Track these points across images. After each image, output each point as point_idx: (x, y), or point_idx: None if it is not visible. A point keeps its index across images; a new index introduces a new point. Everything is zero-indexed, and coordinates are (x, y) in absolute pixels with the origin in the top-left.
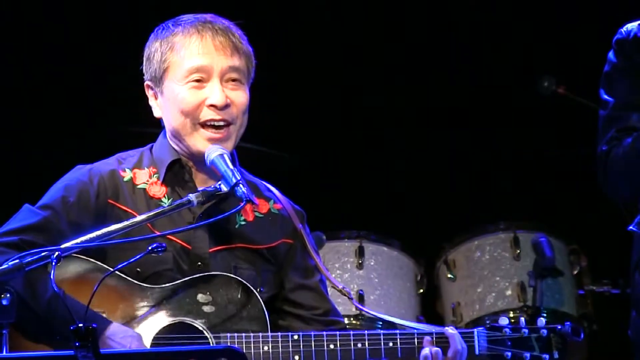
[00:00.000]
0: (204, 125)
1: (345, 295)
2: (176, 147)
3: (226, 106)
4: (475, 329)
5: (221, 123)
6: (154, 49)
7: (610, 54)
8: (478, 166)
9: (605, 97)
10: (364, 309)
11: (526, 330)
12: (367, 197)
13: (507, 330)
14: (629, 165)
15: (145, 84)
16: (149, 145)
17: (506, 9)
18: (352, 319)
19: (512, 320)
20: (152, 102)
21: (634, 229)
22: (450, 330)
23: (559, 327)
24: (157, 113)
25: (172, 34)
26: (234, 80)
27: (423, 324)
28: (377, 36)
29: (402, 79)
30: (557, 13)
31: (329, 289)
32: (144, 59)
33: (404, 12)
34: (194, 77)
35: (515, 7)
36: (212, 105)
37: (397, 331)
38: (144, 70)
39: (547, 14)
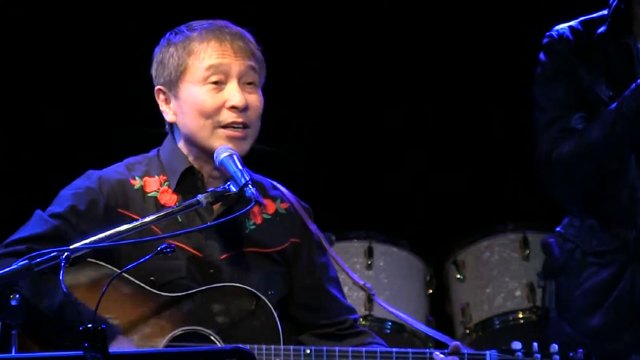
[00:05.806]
0: (224, 127)
1: (366, 290)
2: (189, 153)
3: (245, 108)
4: (487, 352)
5: (240, 126)
6: (169, 54)
7: (542, 56)
8: (487, 166)
9: (542, 99)
10: (383, 304)
11: (538, 356)
12: (376, 197)
13: (519, 354)
14: (578, 162)
15: (156, 88)
16: (155, 151)
17: (522, 9)
18: (360, 319)
19: (523, 320)
20: (163, 107)
21: (561, 230)
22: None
23: (571, 354)
24: (169, 118)
25: (189, 39)
26: (249, 83)
27: (432, 330)
28: (388, 32)
29: (414, 80)
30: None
31: (350, 286)
32: (156, 63)
33: (416, 12)
34: (213, 78)
35: (531, 6)
36: (232, 107)
37: (410, 350)
38: (154, 75)
39: (570, 13)
